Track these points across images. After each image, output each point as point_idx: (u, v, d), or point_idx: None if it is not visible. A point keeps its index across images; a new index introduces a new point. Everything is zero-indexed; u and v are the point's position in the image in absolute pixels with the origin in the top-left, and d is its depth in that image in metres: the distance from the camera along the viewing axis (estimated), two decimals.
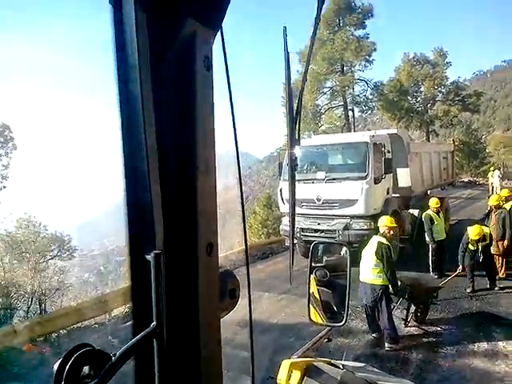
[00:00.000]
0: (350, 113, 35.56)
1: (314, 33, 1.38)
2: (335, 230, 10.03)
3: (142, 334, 0.64)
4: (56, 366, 0.56)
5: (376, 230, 9.70)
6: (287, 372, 1.59)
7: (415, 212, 11.87)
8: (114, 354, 0.58)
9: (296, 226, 10.55)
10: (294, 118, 1.36)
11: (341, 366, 1.64)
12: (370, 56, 31.78)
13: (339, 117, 35.07)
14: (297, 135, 1.38)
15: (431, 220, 9.49)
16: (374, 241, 6.66)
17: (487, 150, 41.49)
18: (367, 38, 32.08)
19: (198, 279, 0.73)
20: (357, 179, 9.80)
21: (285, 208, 10.99)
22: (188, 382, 0.74)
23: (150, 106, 0.68)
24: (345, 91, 32.77)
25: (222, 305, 0.83)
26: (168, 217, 0.71)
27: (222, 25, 0.77)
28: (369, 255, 6.56)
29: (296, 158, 1.61)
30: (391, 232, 6.96)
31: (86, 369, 0.57)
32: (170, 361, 0.69)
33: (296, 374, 1.58)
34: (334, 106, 34.46)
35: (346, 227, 9.95)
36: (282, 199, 10.94)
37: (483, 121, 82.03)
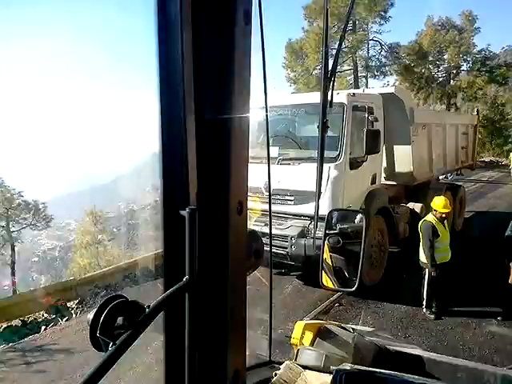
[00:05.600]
0: (364, 80, 31.63)
1: None
2: (287, 237, 6.48)
3: (175, 287, 0.66)
4: (90, 316, 0.57)
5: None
6: (300, 332, 1.61)
7: (417, 207, 8.52)
8: (148, 306, 0.60)
9: None
10: (328, 78, 1.46)
11: (351, 330, 1.65)
12: (385, 12, 27.48)
13: (350, 84, 31.20)
14: (330, 96, 1.49)
15: (434, 231, 5.83)
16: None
17: None
18: None
19: (228, 236, 0.73)
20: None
21: None
22: (215, 334, 0.75)
23: (189, 55, 0.67)
24: (355, 52, 28.60)
25: (247, 263, 0.82)
26: (201, 174, 0.71)
27: None
28: None
29: (327, 120, 1.51)
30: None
31: (120, 319, 0.59)
32: (199, 313, 0.71)
33: (308, 335, 1.60)
34: (342, 70, 30.42)
35: (303, 233, 6.38)
36: None
37: (509, 97, 76.30)
